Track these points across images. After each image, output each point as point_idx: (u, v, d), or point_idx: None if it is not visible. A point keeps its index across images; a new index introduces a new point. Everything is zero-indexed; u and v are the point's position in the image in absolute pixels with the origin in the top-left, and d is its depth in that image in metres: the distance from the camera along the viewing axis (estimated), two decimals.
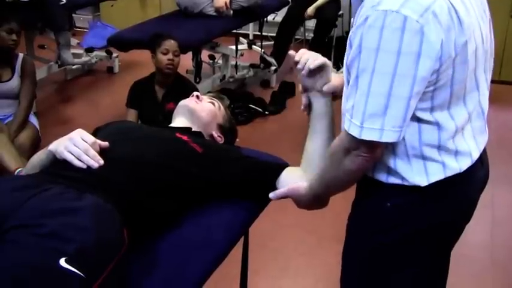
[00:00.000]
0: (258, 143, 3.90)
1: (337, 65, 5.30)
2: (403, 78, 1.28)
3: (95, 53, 5.66)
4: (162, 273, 1.53)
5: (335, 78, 1.76)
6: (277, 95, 5.08)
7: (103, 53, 5.75)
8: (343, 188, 1.56)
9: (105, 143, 1.69)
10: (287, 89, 5.20)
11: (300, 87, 1.80)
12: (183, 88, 3.73)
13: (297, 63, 1.74)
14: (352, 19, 5.64)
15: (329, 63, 1.74)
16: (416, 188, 1.46)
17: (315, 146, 1.79)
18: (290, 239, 3.19)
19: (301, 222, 3.23)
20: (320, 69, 1.72)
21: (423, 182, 1.45)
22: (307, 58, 1.72)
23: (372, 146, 1.37)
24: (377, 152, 1.40)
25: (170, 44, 3.70)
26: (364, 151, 1.38)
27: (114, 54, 5.71)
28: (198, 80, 4.52)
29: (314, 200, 1.68)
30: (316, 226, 3.24)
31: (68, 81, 5.61)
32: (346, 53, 1.42)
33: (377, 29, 1.28)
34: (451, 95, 1.39)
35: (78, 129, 1.70)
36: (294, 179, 1.77)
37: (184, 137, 1.84)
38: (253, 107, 4.79)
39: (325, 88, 1.74)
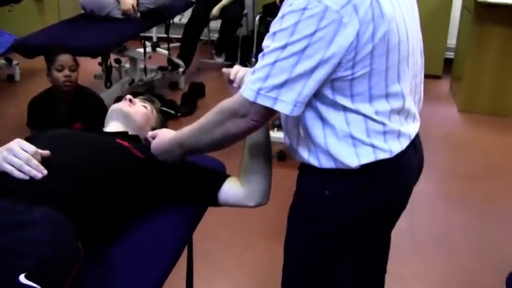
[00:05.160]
0: None
1: (244, 64, 5.34)
2: (309, 60, 1.36)
3: None
4: (120, 281, 1.50)
5: None
6: (187, 97, 5.06)
7: (2, 61, 5.51)
8: (211, 149, 1.61)
9: (47, 152, 1.63)
10: (197, 90, 5.20)
11: None
12: (88, 103, 3.58)
13: (231, 80, 1.74)
14: (257, 17, 5.74)
15: None
16: (350, 172, 1.50)
17: (253, 162, 1.80)
18: (218, 239, 3.19)
19: (228, 221, 3.24)
20: None
21: (354, 162, 1.49)
22: (243, 75, 1.73)
23: (261, 113, 1.45)
24: (262, 121, 1.49)
25: (65, 59, 3.44)
26: (252, 117, 1.45)
27: (15, 62, 5.49)
28: (108, 84, 4.42)
29: (173, 147, 1.71)
30: (243, 224, 3.26)
31: None
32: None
33: (297, 13, 1.35)
34: (370, 87, 1.44)
35: (16, 139, 1.62)
36: (234, 191, 1.80)
37: (125, 143, 1.81)
38: (165, 109, 4.73)
39: None
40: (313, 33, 1.34)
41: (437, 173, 3.99)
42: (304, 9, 1.34)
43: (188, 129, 1.63)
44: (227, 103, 1.50)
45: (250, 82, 1.42)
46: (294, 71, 1.37)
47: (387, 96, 1.48)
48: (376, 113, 1.47)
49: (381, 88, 1.46)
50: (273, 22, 1.43)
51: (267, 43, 1.41)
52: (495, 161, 4.25)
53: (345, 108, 1.45)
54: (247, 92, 1.42)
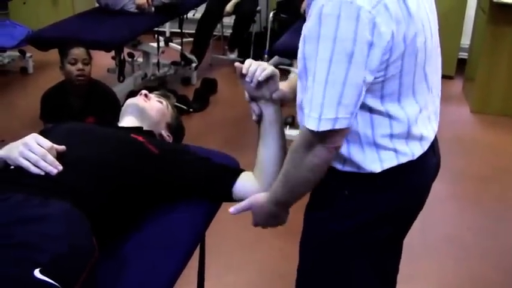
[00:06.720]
0: (186, 140, 3.86)
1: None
2: (357, 66, 1.32)
3: (7, 53, 5.44)
4: (135, 274, 1.51)
5: (283, 85, 1.77)
6: (200, 92, 5.06)
7: (16, 53, 5.53)
8: (307, 188, 1.55)
9: (62, 147, 1.64)
10: (209, 86, 5.21)
11: (246, 96, 1.78)
12: (101, 97, 3.58)
13: (244, 75, 1.72)
14: (271, 14, 5.74)
15: (276, 71, 1.73)
16: (372, 175, 1.50)
17: (269, 154, 1.80)
18: (228, 235, 3.18)
19: (239, 217, 3.23)
20: (268, 79, 1.71)
21: (377, 168, 1.49)
22: (255, 69, 1.70)
23: (332, 136, 1.39)
24: (338, 141, 1.42)
25: (78, 52, 3.46)
26: (329, 144, 1.40)
27: (28, 54, 5.51)
28: (121, 78, 4.44)
29: (275, 209, 1.65)
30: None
31: None
32: (299, 46, 1.42)
33: (333, 19, 1.30)
34: (400, 86, 1.43)
35: (32, 134, 1.63)
36: (249, 186, 1.80)
37: (140, 138, 1.81)
38: (178, 104, 4.74)
39: (274, 96, 1.73)
40: (355, 38, 1.30)
41: (449, 173, 3.97)
42: (339, 13, 1.30)
43: (278, 187, 1.58)
44: (297, 140, 1.45)
45: (309, 108, 1.37)
46: (347, 81, 1.32)
47: (414, 94, 1.47)
48: (405, 114, 1.46)
49: (408, 87, 1.45)
50: (307, 27, 1.37)
51: (312, 60, 1.35)
52: (507, 162, 4.23)
53: (371, 110, 1.44)
54: (310, 122, 1.37)
